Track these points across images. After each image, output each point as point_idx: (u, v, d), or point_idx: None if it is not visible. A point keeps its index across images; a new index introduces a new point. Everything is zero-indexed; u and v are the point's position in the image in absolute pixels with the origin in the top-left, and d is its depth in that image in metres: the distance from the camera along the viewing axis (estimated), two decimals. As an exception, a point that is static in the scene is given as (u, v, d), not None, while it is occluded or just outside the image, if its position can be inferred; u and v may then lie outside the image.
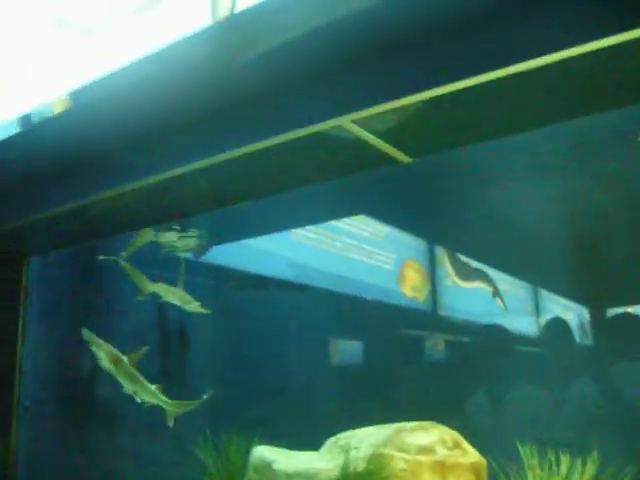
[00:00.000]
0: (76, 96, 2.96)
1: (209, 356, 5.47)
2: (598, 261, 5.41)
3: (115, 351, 4.32)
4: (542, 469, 3.02)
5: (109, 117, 2.95)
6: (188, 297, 4.68)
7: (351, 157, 2.84)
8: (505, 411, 4.97)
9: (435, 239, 6.44)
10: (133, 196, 3.42)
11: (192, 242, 4.78)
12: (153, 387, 4.34)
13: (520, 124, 2.81)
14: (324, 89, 2.51)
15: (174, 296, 4.67)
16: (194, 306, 4.68)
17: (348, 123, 2.47)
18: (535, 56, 2.17)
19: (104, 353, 4.32)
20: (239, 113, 2.72)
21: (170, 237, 4.71)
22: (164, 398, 4.38)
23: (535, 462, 3.02)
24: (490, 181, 4.70)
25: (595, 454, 2.95)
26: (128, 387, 4.30)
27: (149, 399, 4.35)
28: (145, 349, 4.37)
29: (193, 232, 4.69)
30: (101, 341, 4.32)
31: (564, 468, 2.97)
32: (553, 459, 2.98)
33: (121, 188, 3.32)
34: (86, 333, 4.30)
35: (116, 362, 4.30)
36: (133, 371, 4.31)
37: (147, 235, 4.65)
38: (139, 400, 4.30)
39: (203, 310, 4.68)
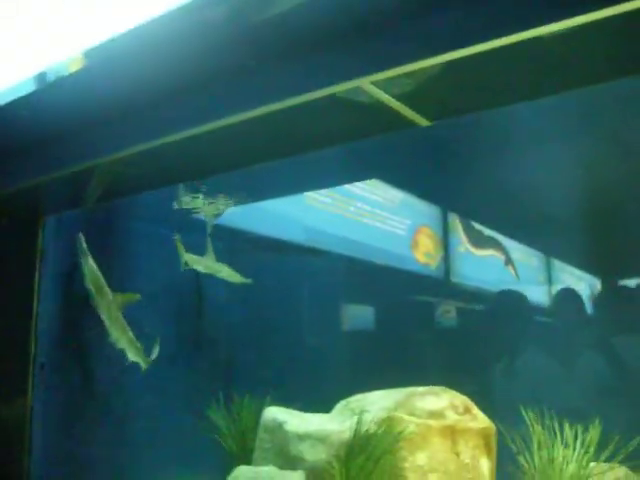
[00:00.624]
0: (92, 55, 2.93)
1: (223, 319, 5.50)
2: (612, 232, 5.39)
3: (100, 275, 4.10)
4: (547, 435, 3.05)
5: (125, 76, 2.94)
6: (220, 267, 4.68)
7: (369, 119, 2.82)
8: (518, 378, 4.99)
9: (449, 206, 6.42)
10: (148, 157, 3.42)
11: (220, 206, 4.77)
12: (136, 342, 4.18)
13: (543, 89, 2.77)
14: (342, 50, 2.48)
15: (209, 268, 4.67)
16: (234, 276, 4.68)
17: (367, 85, 2.45)
18: (559, 19, 2.13)
19: (88, 271, 4.11)
20: (257, 74, 2.70)
21: (197, 202, 4.70)
22: (144, 356, 4.22)
23: (539, 428, 3.05)
24: (506, 149, 4.66)
25: (597, 422, 2.98)
26: (108, 327, 4.10)
27: (130, 354, 4.18)
28: (137, 296, 4.19)
29: (220, 196, 4.68)
30: (90, 258, 4.10)
31: (568, 434, 3.01)
32: (557, 426, 3.02)
33: (135, 148, 3.32)
34: (79, 239, 4.10)
35: (98, 288, 4.09)
36: (117, 313, 4.11)
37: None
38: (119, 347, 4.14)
39: (243, 279, 4.69)
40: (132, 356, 4.16)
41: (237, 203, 4.79)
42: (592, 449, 2.97)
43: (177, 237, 4.57)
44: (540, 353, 5.12)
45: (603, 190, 5.21)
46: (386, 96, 2.52)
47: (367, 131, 2.93)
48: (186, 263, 4.58)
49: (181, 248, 4.58)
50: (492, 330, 5.83)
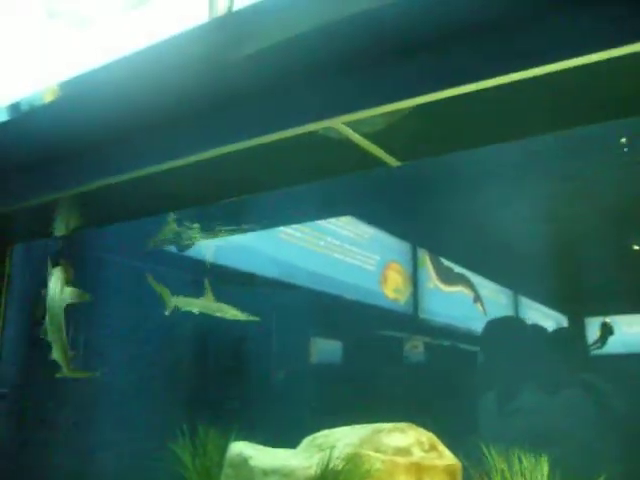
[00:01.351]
0: (67, 87, 2.96)
1: (190, 352, 5.47)
2: (579, 270, 5.47)
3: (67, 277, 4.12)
4: (510, 472, 3.08)
5: (99, 109, 2.95)
6: (221, 306, 4.63)
7: (341, 159, 2.86)
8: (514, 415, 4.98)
9: (418, 242, 6.48)
10: (120, 188, 3.42)
11: (196, 235, 4.73)
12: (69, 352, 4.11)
13: (512, 132, 2.83)
14: (318, 90, 2.52)
15: (207, 308, 4.59)
16: (239, 315, 4.62)
17: (339, 125, 2.49)
18: (528, 67, 2.19)
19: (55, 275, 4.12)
20: (231, 111, 2.73)
21: (192, 232, 4.66)
22: (68, 366, 4.13)
23: (503, 465, 3.08)
24: (475, 186, 4.73)
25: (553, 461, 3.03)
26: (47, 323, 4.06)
27: (55, 353, 4.09)
28: (88, 295, 4.20)
29: (196, 226, 4.64)
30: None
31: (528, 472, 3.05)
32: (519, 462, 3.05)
33: (108, 180, 3.32)
34: (48, 262, 4.11)
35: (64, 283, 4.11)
36: (60, 310, 4.07)
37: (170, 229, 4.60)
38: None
39: (250, 317, 4.64)
40: (56, 355, 4.11)
41: (223, 235, 4.76)
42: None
43: (150, 277, 4.50)
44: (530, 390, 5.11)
45: (570, 229, 5.30)
46: (357, 135, 2.57)
47: (337, 169, 2.98)
48: (176, 306, 4.52)
49: (165, 291, 4.52)
50: (461, 365, 5.87)
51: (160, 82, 2.67)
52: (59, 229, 4.27)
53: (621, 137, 3.72)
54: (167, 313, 4.55)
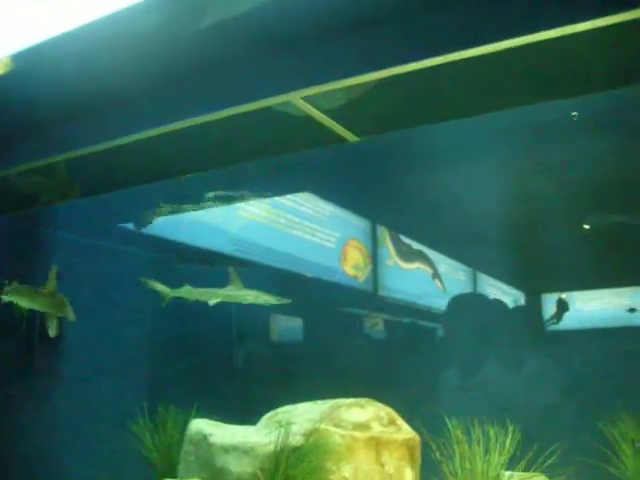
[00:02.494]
0: (20, 58, 2.88)
1: (149, 330, 5.43)
2: (536, 247, 5.54)
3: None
4: (469, 444, 3.13)
5: (53, 82, 2.89)
6: (248, 293, 4.55)
7: (299, 134, 2.84)
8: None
9: (378, 219, 6.48)
10: (74, 165, 3.36)
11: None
12: None
13: (470, 108, 2.84)
14: (275, 64, 2.50)
15: (233, 297, 4.51)
16: (269, 299, 4.55)
17: (298, 100, 2.47)
18: (491, 41, 2.20)
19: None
20: (187, 85, 2.70)
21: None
22: None
23: (462, 436, 3.12)
24: (434, 164, 4.75)
25: (514, 429, 3.08)
26: None
27: None
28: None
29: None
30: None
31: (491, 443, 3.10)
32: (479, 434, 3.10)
33: (60, 156, 3.26)
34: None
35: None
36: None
37: None
38: None
39: (280, 300, 4.58)
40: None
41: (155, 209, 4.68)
42: (504, 458, 3.06)
43: (143, 279, 4.41)
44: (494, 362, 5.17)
45: (527, 206, 5.35)
46: (316, 112, 2.55)
47: (297, 145, 2.96)
48: (164, 300, 4.45)
49: (159, 286, 4.45)
50: (420, 341, 5.93)
51: (113, 56, 2.61)
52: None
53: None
54: (163, 305, 4.49)
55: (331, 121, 2.63)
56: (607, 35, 2.12)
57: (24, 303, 4.21)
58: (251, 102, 2.55)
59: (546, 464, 3.09)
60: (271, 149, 3.10)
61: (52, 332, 4.33)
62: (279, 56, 2.46)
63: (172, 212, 4.77)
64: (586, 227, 5.40)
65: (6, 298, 4.11)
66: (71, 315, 4.41)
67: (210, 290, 4.49)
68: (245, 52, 2.48)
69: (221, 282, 4.91)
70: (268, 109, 2.59)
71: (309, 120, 2.62)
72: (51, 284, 4.33)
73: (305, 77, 2.41)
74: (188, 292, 4.49)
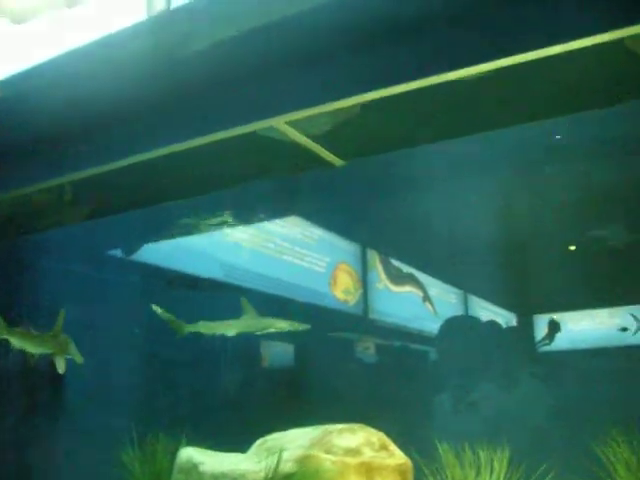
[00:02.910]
0: (4, 85, 2.88)
1: (139, 356, 5.39)
2: (526, 269, 5.54)
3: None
4: (461, 467, 3.12)
5: (36, 108, 2.89)
6: (271, 320, 4.52)
7: (284, 159, 2.84)
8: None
9: (368, 243, 6.48)
10: (57, 192, 3.35)
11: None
12: None
13: (457, 129, 2.85)
14: (259, 89, 2.50)
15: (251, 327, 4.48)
16: (292, 325, 4.52)
17: (282, 124, 2.47)
18: (474, 63, 2.21)
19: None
20: (171, 110, 2.70)
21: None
22: None
23: (453, 460, 3.11)
24: (424, 187, 4.76)
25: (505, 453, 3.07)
26: None
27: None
28: None
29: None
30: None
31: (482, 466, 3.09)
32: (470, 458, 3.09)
33: (45, 183, 3.25)
34: None
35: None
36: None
37: None
38: None
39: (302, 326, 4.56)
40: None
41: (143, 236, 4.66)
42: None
43: (156, 307, 4.41)
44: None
45: (518, 229, 5.37)
46: (300, 135, 2.55)
47: (282, 170, 2.96)
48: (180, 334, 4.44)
49: (171, 319, 4.43)
50: (412, 364, 5.90)
51: (96, 82, 2.61)
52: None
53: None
54: (178, 337, 4.49)
55: (315, 145, 2.63)
56: (589, 55, 2.14)
57: (32, 349, 4.32)
58: (236, 127, 2.55)
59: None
60: (257, 174, 3.09)
61: (60, 370, 4.40)
62: (262, 81, 2.46)
63: (159, 239, 4.75)
64: (572, 248, 5.43)
65: (16, 344, 4.22)
66: (78, 356, 4.46)
67: (226, 322, 4.49)
68: (228, 78, 2.48)
69: (212, 308, 4.88)
70: (253, 134, 2.59)
71: (293, 145, 2.62)
72: (58, 327, 4.39)
73: (289, 101, 2.42)
74: (205, 327, 4.49)
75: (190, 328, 4.46)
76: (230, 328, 4.47)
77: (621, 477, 3.42)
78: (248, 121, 2.51)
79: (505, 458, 3.10)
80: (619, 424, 3.52)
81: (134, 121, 2.82)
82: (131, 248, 4.76)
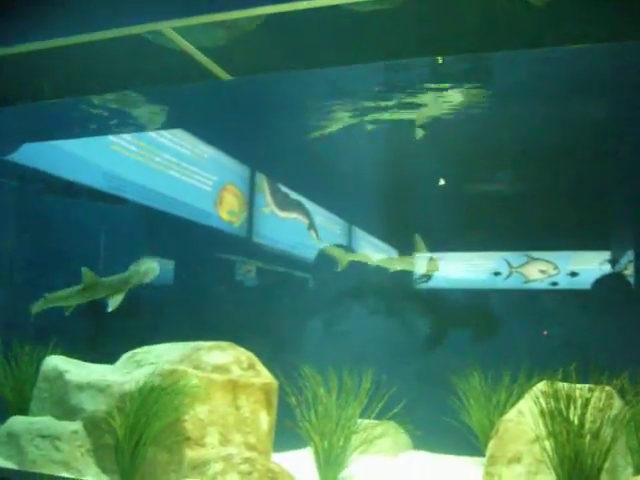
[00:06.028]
0: None
1: (6, 262, 5.21)
2: (413, 209, 5.66)
3: None
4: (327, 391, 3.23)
5: None
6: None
7: (168, 66, 2.76)
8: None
9: (257, 166, 6.43)
10: None
11: None
12: None
13: (351, 56, 2.83)
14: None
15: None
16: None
17: (169, 30, 2.39)
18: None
19: None
20: (63, 5, 2.55)
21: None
22: None
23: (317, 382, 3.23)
24: (318, 114, 4.75)
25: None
26: None
27: None
28: None
29: None
30: None
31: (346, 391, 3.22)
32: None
33: None
34: None
35: None
36: None
37: None
38: None
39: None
40: None
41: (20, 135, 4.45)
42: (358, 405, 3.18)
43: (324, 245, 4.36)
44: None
45: (404, 165, 5.45)
46: (187, 44, 2.48)
47: (167, 77, 2.87)
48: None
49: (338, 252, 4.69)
50: (291, 290, 5.98)
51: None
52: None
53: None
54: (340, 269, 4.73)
55: (202, 55, 2.56)
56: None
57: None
58: (121, 28, 2.44)
59: (395, 412, 3.23)
60: (142, 80, 2.99)
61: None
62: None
63: (38, 139, 4.53)
64: (457, 193, 5.58)
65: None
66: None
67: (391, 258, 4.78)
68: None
69: (90, 217, 4.75)
70: (139, 37, 2.49)
71: (179, 52, 2.54)
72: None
73: (177, 8, 2.33)
74: (365, 257, 4.57)
75: (351, 257, 4.58)
76: (393, 263, 4.70)
77: (474, 409, 3.65)
78: (134, 23, 2.40)
79: (370, 385, 3.23)
80: (479, 360, 3.73)
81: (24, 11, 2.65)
82: (6, 148, 4.54)
